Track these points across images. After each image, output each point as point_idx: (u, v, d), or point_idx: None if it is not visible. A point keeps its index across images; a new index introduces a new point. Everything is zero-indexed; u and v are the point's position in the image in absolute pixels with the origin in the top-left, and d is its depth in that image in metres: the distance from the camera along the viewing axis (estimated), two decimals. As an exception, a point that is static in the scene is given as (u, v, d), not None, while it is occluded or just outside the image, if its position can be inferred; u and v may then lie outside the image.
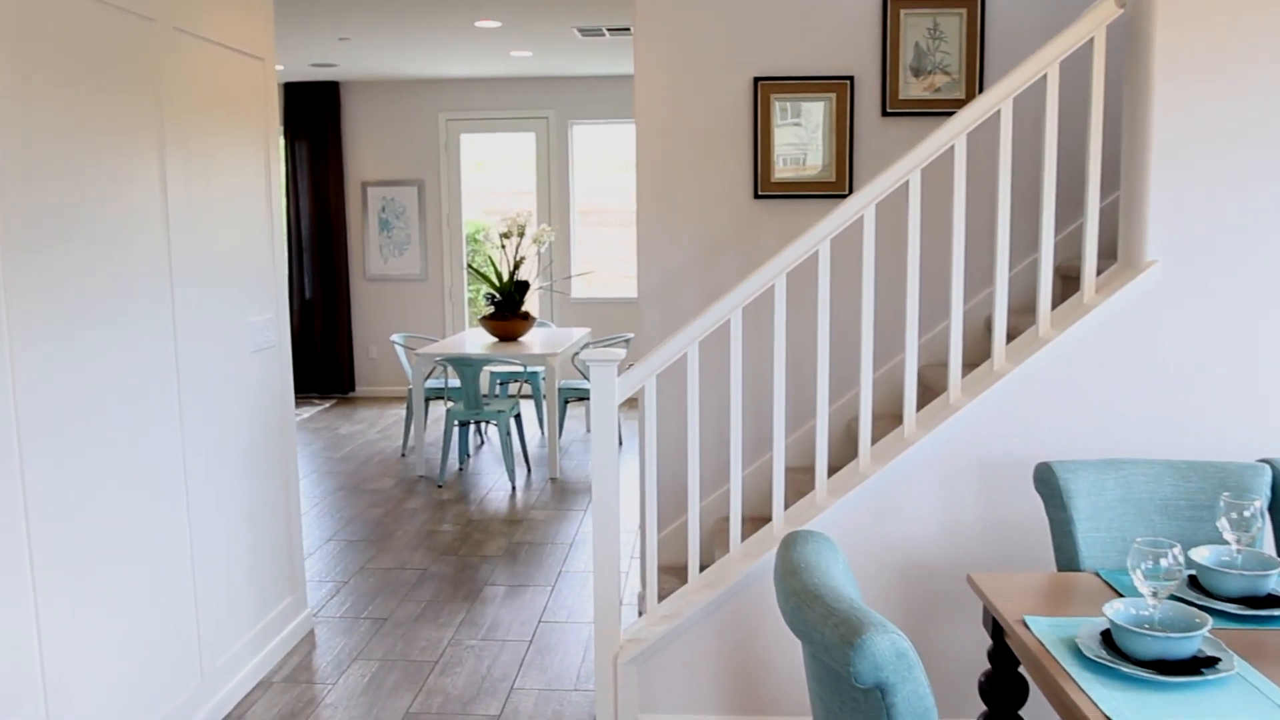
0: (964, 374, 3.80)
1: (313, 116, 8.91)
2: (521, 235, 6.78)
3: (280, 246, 3.73)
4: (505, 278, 6.78)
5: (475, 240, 9.51)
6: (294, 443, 3.85)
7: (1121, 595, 2.18)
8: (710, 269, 3.92)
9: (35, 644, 2.40)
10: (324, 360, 9.17)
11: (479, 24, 6.34)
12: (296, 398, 9.26)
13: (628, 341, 6.88)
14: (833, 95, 3.86)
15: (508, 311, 6.77)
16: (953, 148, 3.62)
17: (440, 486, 6.13)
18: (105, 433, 2.69)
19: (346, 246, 9.11)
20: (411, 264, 9.13)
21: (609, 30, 6.57)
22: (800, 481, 3.79)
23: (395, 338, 7.06)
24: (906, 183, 3.75)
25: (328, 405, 8.87)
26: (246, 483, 3.50)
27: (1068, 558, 2.43)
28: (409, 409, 6.94)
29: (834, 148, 3.87)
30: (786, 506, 3.56)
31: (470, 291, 9.28)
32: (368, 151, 9.05)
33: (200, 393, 3.19)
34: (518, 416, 6.54)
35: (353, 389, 9.29)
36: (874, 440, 3.71)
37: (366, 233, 9.13)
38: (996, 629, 2.31)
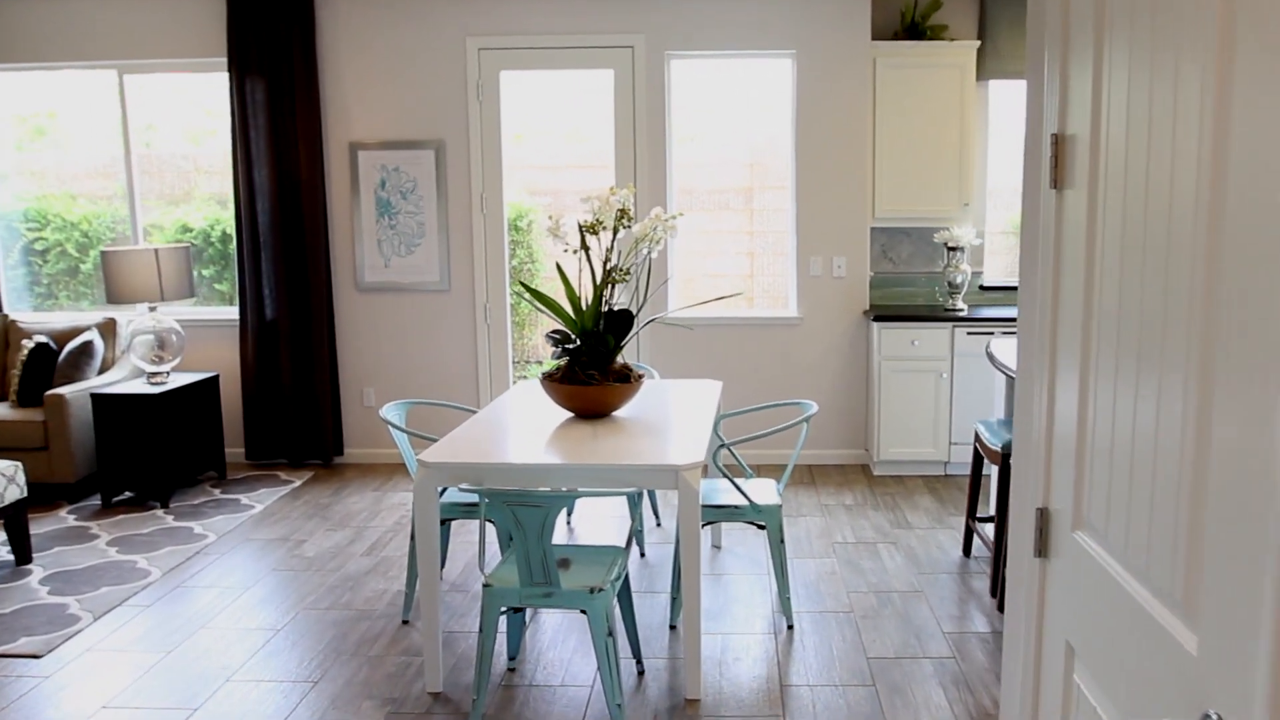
0: None
1: (273, 43, 5.84)
2: (619, 230, 3.72)
3: None
4: (588, 303, 3.74)
5: (518, 229, 6.45)
6: None
7: None
8: None
9: None
10: (295, 412, 6.13)
11: None
12: (254, 465, 6.24)
13: (808, 419, 3.82)
14: None
15: (595, 368, 3.71)
16: None
17: (473, 734, 3.11)
18: None
19: (329, 241, 6.06)
20: (425, 267, 6.09)
21: None
22: None
23: (386, 411, 4.01)
24: None
25: (299, 483, 5.84)
26: None
27: None
28: (412, 549, 3.90)
29: None
30: None
31: (511, 298, 6.21)
32: (359, 98, 5.99)
33: None
34: (626, 585, 3.47)
35: (339, 453, 6.26)
36: None
37: (358, 220, 6.09)
38: None
